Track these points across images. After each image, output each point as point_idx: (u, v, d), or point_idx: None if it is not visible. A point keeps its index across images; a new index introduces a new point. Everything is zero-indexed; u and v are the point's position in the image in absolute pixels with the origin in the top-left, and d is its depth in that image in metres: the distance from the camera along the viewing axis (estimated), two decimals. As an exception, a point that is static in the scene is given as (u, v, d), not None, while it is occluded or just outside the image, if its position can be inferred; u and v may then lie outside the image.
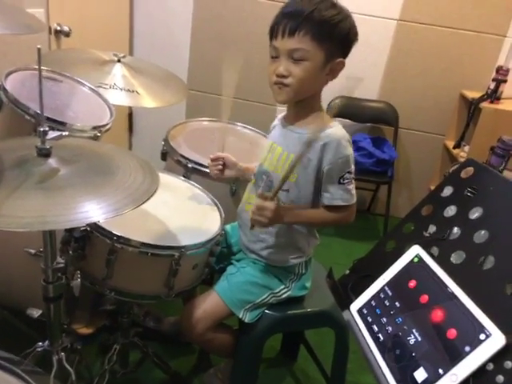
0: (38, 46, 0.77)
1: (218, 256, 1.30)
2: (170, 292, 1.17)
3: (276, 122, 1.30)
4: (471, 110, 2.51)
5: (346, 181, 1.13)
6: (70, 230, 1.12)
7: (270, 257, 1.26)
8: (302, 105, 1.16)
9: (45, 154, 0.86)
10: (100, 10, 2.40)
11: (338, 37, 1.07)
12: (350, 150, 1.13)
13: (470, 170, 0.94)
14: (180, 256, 1.12)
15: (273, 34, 1.10)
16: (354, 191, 1.16)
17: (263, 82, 1.15)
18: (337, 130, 1.14)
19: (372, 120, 2.84)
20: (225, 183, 1.53)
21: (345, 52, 1.11)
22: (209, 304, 1.23)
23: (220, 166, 1.34)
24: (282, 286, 1.27)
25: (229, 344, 1.31)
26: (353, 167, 1.14)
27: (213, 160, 1.35)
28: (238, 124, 1.94)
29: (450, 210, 0.90)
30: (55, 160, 0.87)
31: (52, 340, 1.09)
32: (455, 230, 0.86)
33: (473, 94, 2.55)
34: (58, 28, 1.99)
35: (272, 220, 1.10)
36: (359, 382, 1.66)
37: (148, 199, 0.84)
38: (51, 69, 1.46)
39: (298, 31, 1.05)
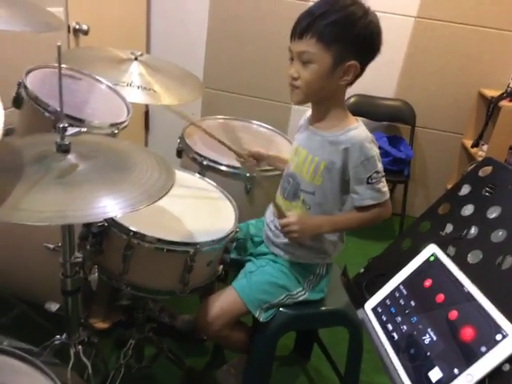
0: (58, 43, 0.79)
1: (236, 247, 1.32)
2: (185, 288, 1.18)
3: (302, 121, 1.29)
4: (490, 108, 2.47)
5: (374, 180, 1.12)
6: (87, 226, 1.14)
7: (295, 252, 1.26)
8: (323, 106, 1.17)
9: (64, 149, 0.87)
10: (118, 9, 2.43)
11: (347, 39, 1.05)
12: (374, 151, 1.13)
13: (489, 168, 0.93)
14: (195, 252, 1.13)
15: (291, 35, 1.11)
16: (385, 188, 1.15)
17: (279, 80, 1.16)
18: (359, 131, 1.14)
19: (388, 118, 2.82)
20: (239, 181, 1.54)
21: (360, 54, 1.08)
22: (226, 301, 1.23)
23: (255, 162, 1.41)
24: (300, 288, 1.27)
25: (243, 340, 1.32)
26: (380, 166, 1.13)
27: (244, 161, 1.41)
28: (254, 122, 1.94)
29: (468, 209, 0.89)
30: (74, 156, 0.89)
31: (70, 333, 1.11)
32: (472, 229, 0.85)
33: (492, 93, 2.51)
34: (77, 26, 2.02)
35: (303, 230, 1.16)
36: (373, 382, 1.65)
37: (164, 196, 0.85)
38: (70, 67, 1.48)
39: (306, 34, 1.06)
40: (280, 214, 1.20)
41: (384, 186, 1.15)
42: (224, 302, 1.23)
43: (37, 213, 0.72)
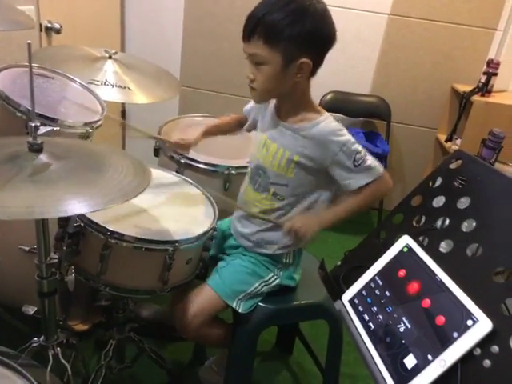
0: (28, 41, 0.78)
1: (215, 245, 1.33)
2: (165, 286, 1.18)
3: (268, 104, 1.26)
4: (462, 103, 2.53)
5: (360, 161, 1.13)
6: (63, 226, 1.12)
7: (260, 242, 1.27)
8: (287, 101, 1.17)
9: (36, 149, 0.86)
10: (91, 7, 2.39)
11: (293, 37, 1.03)
12: (346, 136, 1.14)
13: (459, 161, 0.95)
14: (174, 250, 1.13)
15: (242, 35, 1.11)
16: (374, 163, 1.15)
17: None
18: (327, 123, 1.15)
19: (364, 114, 2.85)
20: (218, 178, 1.55)
21: (310, 51, 1.07)
22: (203, 298, 1.23)
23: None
24: (272, 274, 1.28)
25: (223, 336, 1.33)
26: (358, 146, 1.14)
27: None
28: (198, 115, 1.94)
29: (439, 201, 0.92)
30: (47, 155, 0.88)
31: (47, 335, 1.10)
32: (444, 219, 0.87)
33: (464, 88, 2.57)
34: (49, 25, 1.98)
35: (308, 227, 1.16)
36: (355, 374, 1.68)
37: (138, 194, 0.84)
38: (42, 65, 1.46)
39: (252, 36, 1.05)
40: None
41: (372, 162, 1.15)
42: (200, 300, 1.23)
43: (4, 208, 0.71)
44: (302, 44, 1.05)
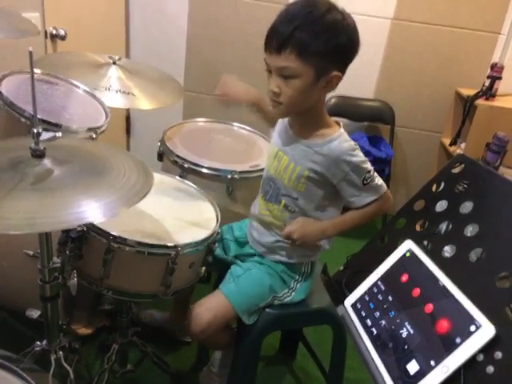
0: (30, 49, 0.78)
1: (222, 247, 1.33)
2: (168, 290, 1.18)
3: (280, 124, 1.25)
4: (467, 107, 2.52)
5: (369, 180, 1.13)
6: (66, 231, 1.13)
7: (280, 251, 1.26)
8: (305, 116, 1.14)
9: (39, 154, 0.86)
10: (96, 13, 2.41)
11: (328, 51, 1.01)
12: (359, 156, 1.12)
13: (461, 165, 0.95)
14: (176, 255, 1.12)
15: (264, 45, 1.06)
16: (380, 182, 1.15)
17: (259, 83, 1.14)
18: (341, 141, 1.12)
19: (368, 119, 2.85)
20: (221, 183, 1.55)
21: (340, 64, 1.06)
22: (217, 307, 1.22)
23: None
24: (286, 290, 1.28)
25: (228, 340, 1.33)
26: (369, 165, 1.13)
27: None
28: (235, 124, 1.95)
29: (442, 205, 0.92)
30: (49, 161, 0.88)
31: (50, 339, 1.10)
32: (446, 224, 0.87)
33: (468, 92, 2.56)
34: (54, 32, 1.99)
35: (305, 237, 1.17)
36: (359, 379, 1.67)
37: (140, 200, 0.84)
38: (46, 72, 1.47)
39: (284, 49, 1.00)
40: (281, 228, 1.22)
41: (379, 180, 1.15)
42: (215, 308, 1.22)
43: (5, 220, 0.71)
44: (335, 57, 1.03)
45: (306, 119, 1.15)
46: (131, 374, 1.46)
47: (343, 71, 1.07)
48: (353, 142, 1.14)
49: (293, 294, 1.28)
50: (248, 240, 1.36)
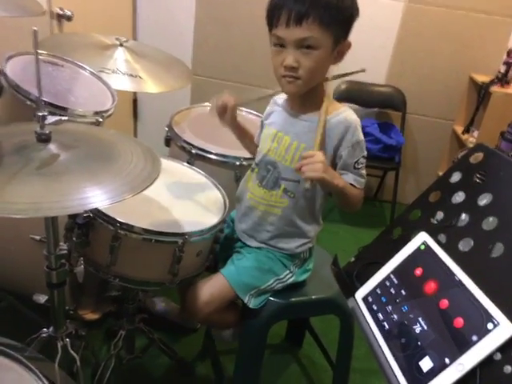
0: (34, 28, 0.75)
1: (223, 243, 1.29)
2: (175, 279, 1.17)
3: (274, 107, 1.24)
4: (481, 94, 2.47)
5: (361, 165, 1.13)
6: (73, 217, 1.11)
7: (277, 245, 1.25)
8: (308, 92, 1.12)
9: (44, 139, 0.84)
10: (103, -6, 2.36)
11: (343, 17, 1.02)
12: (362, 136, 1.13)
13: (480, 155, 0.91)
14: (183, 243, 1.11)
15: (273, 21, 1.03)
16: (365, 176, 1.15)
17: (267, 66, 1.11)
18: (350, 113, 1.13)
19: (379, 105, 2.80)
20: (229, 169, 1.52)
21: (349, 31, 1.06)
22: (215, 287, 1.22)
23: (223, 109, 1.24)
24: (287, 271, 1.27)
25: (234, 319, 1.31)
26: (366, 152, 1.14)
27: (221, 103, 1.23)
28: (243, 109, 1.91)
29: (459, 197, 0.88)
30: (55, 145, 0.86)
31: (56, 326, 1.09)
32: (463, 216, 0.84)
33: (482, 78, 2.50)
34: (61, 12, 1.96)
35: (325, 170, 1.02)
36: (366, 369, 1.66)
37: (147, 187, 0.82)
38: (52, 53, 1.44)
39: (306, 18, 0.98)
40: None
41: (365, 173, 1.15)
42: (213, 288, 1.22)
43: (10, 204, 0.69)
44: (349, 25, 1.04)
45: (308, 95, 1.12)
46: (138, 360, 1.46)
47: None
48: (358, 119, 1.13)
49: (294, 275, 1.28)
50: (239, 236, 1.32)
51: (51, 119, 0.84)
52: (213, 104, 1.24)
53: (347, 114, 1.12)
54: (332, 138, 1.11)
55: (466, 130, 2.58)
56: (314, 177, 1.01)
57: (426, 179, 2.92)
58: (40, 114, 0.82)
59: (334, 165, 1.14)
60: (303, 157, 1.03)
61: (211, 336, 1.58)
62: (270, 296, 1.26)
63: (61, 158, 0.84)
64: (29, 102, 1.20)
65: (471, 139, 2.51)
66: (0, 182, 0.74)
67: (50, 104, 1.19)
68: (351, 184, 1.13)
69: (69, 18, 1.97)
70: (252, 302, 1.22)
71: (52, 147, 0.85)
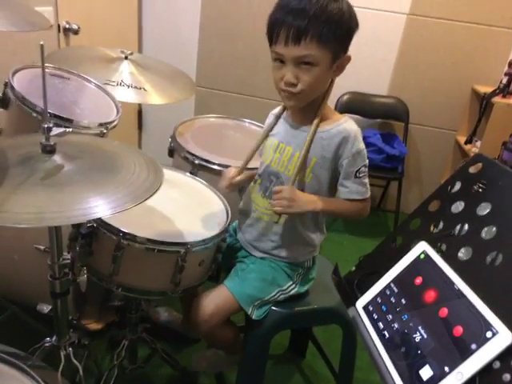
0: (41, 43, 0.77)
1: (225, 252, 1.30)
2: (177, 288, 1.17)
3: (274, 118, 1.25)
4: (483, 104, 2.47)
5: (362, 174, 1.14)
6: (76, 227, 1.13)
7: (281, 254, 1.26)
8: (309, 104, 1.14)
9: (49, 150, 0.86)
10: (109, 8, 2.41)
11: (343, 32, 1.04)
12: (363, 144, 1.14)
13: (479, 165, 0.92)
14: (186, 252, 1.12)
15: (272, 38, 1.06)
16: (368, 185, 1.17)
17: (270, 78, 1.13)
18: (351, 123, 1.14)
19: (382, 115, 2.82)
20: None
21: (349, 45, 1.08)
22: (220, 299, 1.22)
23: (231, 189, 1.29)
24: (290, 282, 1.27)
25: (232, 338, 1.33)
26: (367, 161, 1.15)
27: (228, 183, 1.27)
28: (246, 120, 1.93)
29: (458, 206, 0.89)
30: (60, 156, 0.88)
31: (59, 335, 1.10)
32: (463, 226, 0.84)
33: (484, 89, 2.51)
34: (67, 26, 2.00)
35: (294, 201, 1.10)
36: (369, 379, 1.65)
37: (149, 197, 0.83)
38: (58, 66, 1.47)
39: (305, 37, 1.00)
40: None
41: (368, 183, 1.16)
42: (217, 300, 1.22)
43: (14, 214, 0.71)
44: (348, 37, 1.07)
45: (309, 107, 1.14)
46: (140, 370, 1.46)
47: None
48: (359, 129, 1.15)
49: (297, 286, 1.28)
50: (242, 245, 1.34)
51: (56, 131, 0.85)
52: (221, 186, 1.29)
53: (347, 125, 1.14)
54: (333, 148, 1.13)
55: (469, 141, 2.58)
56: (279, 211, 1.12)
57: (429, 189, 2.89)
58: (45, 125, 0.84)
59: (335, 174, 1.16)
60: (273, 192, 1.13)
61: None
62: (273, 306, 1.26)
63: (65, 169, 0.85)
64: (35, 114, 1.22)
65: (474, 149, 2.51)
66: (5, 192, 0.75)
67: (56, 116, 1.21)
68: (348, 199, 1.15)
69: (75, 32, 2.01)
70: (255, 313, 1.23)
71: (57, 158, 0.87)
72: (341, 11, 1.02)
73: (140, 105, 2.94)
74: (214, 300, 1.22)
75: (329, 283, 1.31)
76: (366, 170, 1.15)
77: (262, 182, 1.25)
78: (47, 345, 1.10)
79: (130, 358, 1.43)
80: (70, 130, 0.90)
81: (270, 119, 1.28)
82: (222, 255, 1.29)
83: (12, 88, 1.26)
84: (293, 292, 1.27)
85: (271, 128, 1.25)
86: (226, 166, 1.54)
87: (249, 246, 1.31)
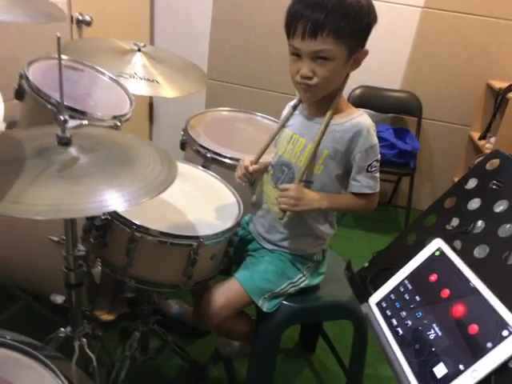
0: (58, 35, 0.78)
1: (237, 246, 1.30)
2: (189, 281, 1.18)
3: (290, 110, 1.25)
4: (498, 100, 2.44)
5: (374, 169, 1.14)
6: (91, 219, 1.13)
7: (290, 246, 1.26)
8: (325, 96, 1.14)
9: (65, 142, 0.86)
10: (121, 0, 2.40)
11: (360, 27, 1.04)
12: (376, 139, 1.14)
13: (496, 161, 0.91)
14: (198, 246, 1.12)
15: (290, 32, 1.06)
16: (378, 179, 1.17)
17: (282, 71, 1.13)
18: (365, 118, 1.14)
19: (394, 110, 2.79)
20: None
21: (366, 39, 1.08)
22: (231, 292, 1.23)
23: (246, 178, 1.28)
24: (300, 275, 1.27)
25: (246, 331, 1.33)
26: (379, 156, 1.15)
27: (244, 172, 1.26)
28: (258, 114, 1.93)
29: (474, 203, 0.88)
30: (75, 149, 0.88)
31: (74, 326, 1.11)
32: (479, 223, 0.83)
33: (500, 84, 2.47)
34: (80, 17, 2.01)
35: (301, 199, 1.12)
36: (379, 375, 1.65)
37: (163, 191, 0.84)
38: (72, 58, 1.47)
39: (321, 31, 1.00)
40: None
41: (378, 177, 1.16)
42: (229, 292, 1.23)
43: (31, 206, 0.71)
44: (365, 32, 1.06)
45: (325, 100, 1.14)
46: (151, 361, 1.47)
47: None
48: (373, 123, 1.15)
49: (307, 279, 1.29)
50: (254, 237, 1.35)
51: (72, 123, 0.86)
52: (237, 175, 1.29)
53: (361, 119, 1.13)
54: (345, 141, 1.13)
55: (483, 137, 2.55)
56: (285, 209, 1.14)
57: (442, 185, 2.90)
58: (62, 117, 0.84)
59: (346, 167, 1.16)
60: (280, 189, 1.15)
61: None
62: (284, 300, 1.26)
63: (81, 161, 0.86)
64: (49, 106, 1.23)
65: (488, 145, 2.48)
66: (22, 184, 0.76)
67: (70, 108, 1.22)
68: (357, 193, 1.15)
69: (88, 24, 2.02)
70: (266, 306, 1.23)
71: (72, 150, 0.87)
72: (359, 5, 1.02)
73: (151, 98, 2.94)
74: (225, 293, 1.23)
75: (340, 278, 1.31)
76: (378, 164, 1.15)
77: (275, 173, 1.25)
78: (61, 335, 1.11)
79: (142, 350, 1.44)
80: (86, 122, 0.90)
81: (286, 110, 1.28)
82: (234, 249, 1.29)
83: (27, 79, 1.26)
84: (303, 284, 1.28)
85: (287, 119, 1.25)
86: (238, 160, 1.55)
87: (260, 238, 1.32)
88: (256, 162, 1.27)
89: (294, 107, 1.24)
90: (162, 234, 1.10)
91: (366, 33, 1.06)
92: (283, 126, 1.25)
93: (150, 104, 3.02)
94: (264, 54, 2.74)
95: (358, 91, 2.65)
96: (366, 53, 1.10)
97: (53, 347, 1.09)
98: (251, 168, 1.25)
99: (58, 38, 0.78)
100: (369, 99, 2.69)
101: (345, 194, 1.20)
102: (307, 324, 1.73)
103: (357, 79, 2.57)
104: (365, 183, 1.14)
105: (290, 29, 1.06)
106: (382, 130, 2.64)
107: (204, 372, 1.58)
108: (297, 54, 1.07)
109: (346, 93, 1.19)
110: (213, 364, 1.60)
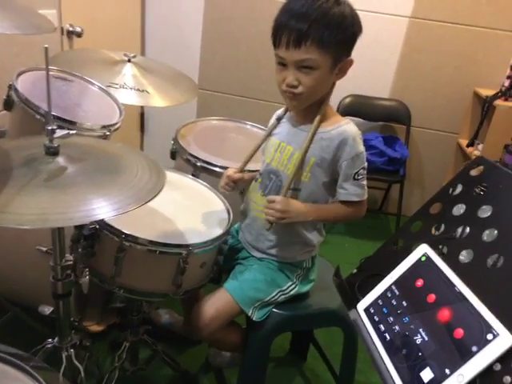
0: (46, 46, 0.78)
1: (227, 254, 1.30)
2: (179, 290, 1.18)
3: (275, 119, 1.26)
4: (485, 107, 2.47)
5: (361, 177, 1.15)
6: (79, 228, 1.13)
7: (279, 254, 1.27)
8: (311, 105, 1.15)
9: (52, 152, 0.87)
10: (112, 11, 2.42)
11: (344, 36, 1.05)
12: (362, 147, 1.15)
13: (480, 168, 0.92)
14: (188, 254, 1.12)
15: (276, 42, 1.08)
16: (366, 187, 1.17)
17: (272, 81, 1.14)
18: (351, 126, 1.15)
19: (384, 118, 2.82)
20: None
21: (351, 49, 1.10)
22: (220, 302, 1.23)
23: (230, 187, 1.29)
24: (290, 283, 1.27)
25: (237, 341, 1.33)
26: (366, 163, 1.16)
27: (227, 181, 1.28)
28: (248, 123, 1.94)
29: (459, 209, 0.89)
30: (63, 158, 0.88)
31: (61, 336, 1.10)
32: (464, 228, 0.85)
33: (486, 92, 2.52)
34: (71, 29, 2.01)
35: (287, 212, 1.13)
36: (369, 382, 1.65)
37: (151, 199, 0.84)
38: (61, 69, 1.47)
39: (304, 41, 1.02)
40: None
41: (366, 184, 1.17)
42: (218, 303, 1.23)
43: (18, 216, 0.71)
44: (350, 41, 1.08)
45: (311, 108, 1.16)
46: (141, 371, 1.46)
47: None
48: (359, 132, 1.16)
49: (297, 286, 1.29)
50: (243, 246, 1.35)
51: (60, 133, 0.86)
52: (220, 185, 1.30)
53: (347, 127, 1.14)
54: (332, 150, 1.14)
55: (471, 144, 2.59)
56: (271, 221, 1.14)
57: (431, 192, 2.88)
58: (49, 127, 0.84)
59: (333, 175, 1.17)
60: (267, 200, 1.15)
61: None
62: (274, 308, 1.26)
63: (68, 171, 0.86)
64: (38, 116, 1.23)
65: (476, 152, 2.51)
66: (9, 193, 0.76)
67: (59, 118, 1.22)
68: (344, 201, 1.16)
69: (79, 35, 2.03)
70: (256, 315, 1.23)
71: (60, 160, 0.88)
72: (343, 15, 1.03)
73: (142, 107, 2.95)
74: (214, 304, 1.23)
75: (330, 285, 1.31)
76: (365, 172, 1.16)
77: (263, 181, 1.26)
78: (49, 346, 1.11)
79: (131, 360, 1.43)
80: (74, 132, 0.90)
81: (273, 119, 1.29)
82: (224, 257, 1.29)
83: (16, 90, 1.26)
84: (293, 292, 1.28)
85: (274, 127, 1.26)
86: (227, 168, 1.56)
87: (249, 246, 1.32)
88: (241, 170, 1.28)
89: (281, 116, 1.25)
90: (151, 242, 1.10)
91: (350, 42, 1.08)
92: (270, 134, 1.26)
93: (142, 114, 3.02)
94: (254, 64, 2.77)
95: (347, 100, 2.68)
96: (351, 62, 1.11)
97: (40, 358, 1.08)
98: (236, 176, 1.25)
99: (46, 49, 0.78)
100: (358, 108, 2.71)
101: (332, 204, 1.21)
102: (298, 332, 1.73)
103: (346, 88, 2.60)
104: (352, 191, 1.15)
105: (276, 38, 1.07)
106: (371, 138, 2.66)
107: (195, 382, 1.56)
108: (282, 64, 1.09)
109: (335, 101, 1.21)
110: (203, 374, 1.59)
